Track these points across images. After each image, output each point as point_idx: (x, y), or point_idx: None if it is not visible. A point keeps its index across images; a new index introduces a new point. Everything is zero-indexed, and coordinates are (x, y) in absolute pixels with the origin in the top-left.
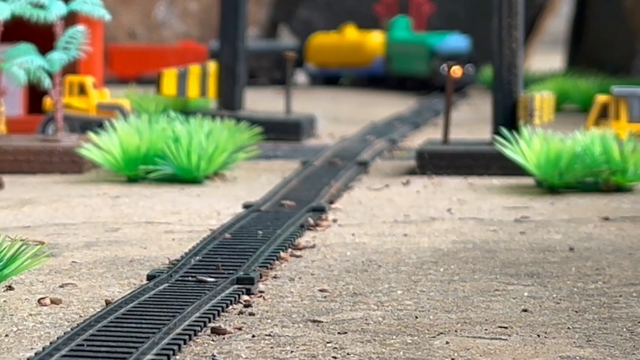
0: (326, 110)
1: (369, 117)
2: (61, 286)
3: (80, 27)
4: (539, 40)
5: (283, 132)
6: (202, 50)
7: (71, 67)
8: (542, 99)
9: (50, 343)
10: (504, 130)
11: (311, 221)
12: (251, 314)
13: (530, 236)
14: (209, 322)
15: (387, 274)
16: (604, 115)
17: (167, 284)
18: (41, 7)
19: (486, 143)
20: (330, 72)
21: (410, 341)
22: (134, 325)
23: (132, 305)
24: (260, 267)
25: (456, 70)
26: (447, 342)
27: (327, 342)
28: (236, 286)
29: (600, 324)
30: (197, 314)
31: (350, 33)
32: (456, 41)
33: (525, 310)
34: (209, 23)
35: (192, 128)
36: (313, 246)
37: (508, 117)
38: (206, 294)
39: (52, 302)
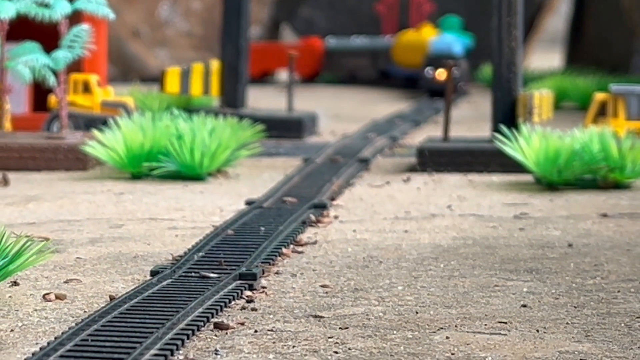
0: (328, 108)
1: (370, 115)
2: (66, 282)
3: (84, 26)
4: (538, 39)
5: (285, 129)
6: (320, 47)
7: (76, 66)
8: (541, 97)
9: (55, 338)
10: (504, 128)
11: (313, 218)
12: (253, 310)
13: (529, 232)
14: (212, 317)
15: (388, 269)
16: (602, 113)
17: (170, 280)
18: (46, 6)
19: (486, 140)
20: (411, 72)
21: (410, 336)
22: (137, 320)
23: (136, 300)
24: (262, 263)
25: (440, 74)
26: (447, 337)
27: (329, 337)
28: (239, 282)
29: (598, 319)
30: (200, 310)
31: (426, 32)
32: (446, 41)
33: (524, 306)
34: (212, 22)
35: (195, 125)
36: (315, 242)
37: (507, 114)
38: (209, 289)
39: (57, 297)
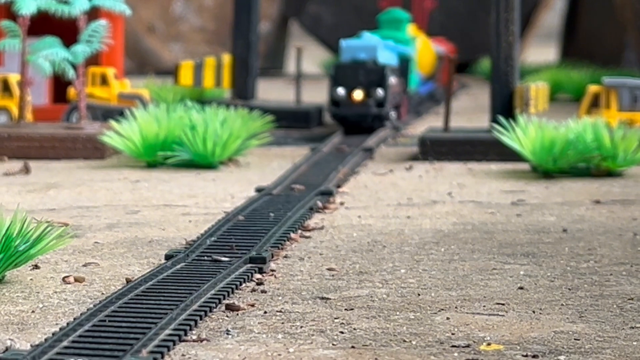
0: None
1: None
2: (84, 265)
3: (102, 22)
4: (534, 34)
5: (293, 120)
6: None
7: (94, 59)
8: (537, 89)
9: (74, 319)
10: (502, 119)
11: (320, 204)
12: (263, 292)
13: (526, 218)
14: (224, 299)
15: (392, 253)
16: (595, 104)
17: (184, 263)
18: (65, 2)
19: (484, 131)
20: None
21: (413, 317)
22: (152, 302)
23: (151, 283)
24: (271, 247)
25: (358, 94)
26: (447, 318)
27: (335, 318)
28: (249, 265)
29: (592, 300)
30: (213, 292)
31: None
32: (367, 44)
33: (521, 288)
34: (223, 17)
35: (207, 116)
36: (321, 228)
37: (505, 106)
38: (221, 272)
39: (76, 280)
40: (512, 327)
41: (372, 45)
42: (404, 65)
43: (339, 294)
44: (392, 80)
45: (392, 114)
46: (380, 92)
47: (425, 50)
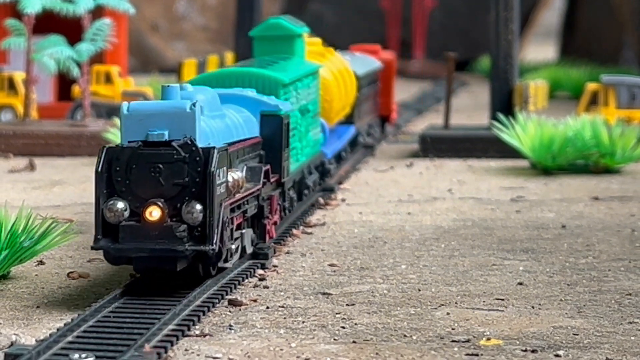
0: None
1: None
2: (89, 261)
3: (106, 20)
4: (534, 32)
5: None
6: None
7: (98, 57)
8: (536, 87)
9: (79, 314)
10: (501, 116)
11: (321, 201)
12: (265, 287)
13: (525, 214)
14: (227, 294)
15: (392, 249)
16: (594, 102)
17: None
18: (70, 1)
19: (484, 128)
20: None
21: (413, 312)
22: (156, 297)
23: (155, 279)
24: (274, 243)
25: (152, 214)
26: (447, 313)
27: (337, 313)
28: (252, 261)
29: (590, 296)
30: (216, 287)
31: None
32: (165, 111)
33: (520, 284)
34: (226, 16)
35: None
36: (323, 224)
37: (504, 103)
38: (224, 268)
39: (81, 276)
40: (512, 322)
41: (183, 111)
42: (275, 136)
43: (340, 289)
44: (234, 176)
45: (234, 247)
46: (197, 208)
47: (336, 82)
